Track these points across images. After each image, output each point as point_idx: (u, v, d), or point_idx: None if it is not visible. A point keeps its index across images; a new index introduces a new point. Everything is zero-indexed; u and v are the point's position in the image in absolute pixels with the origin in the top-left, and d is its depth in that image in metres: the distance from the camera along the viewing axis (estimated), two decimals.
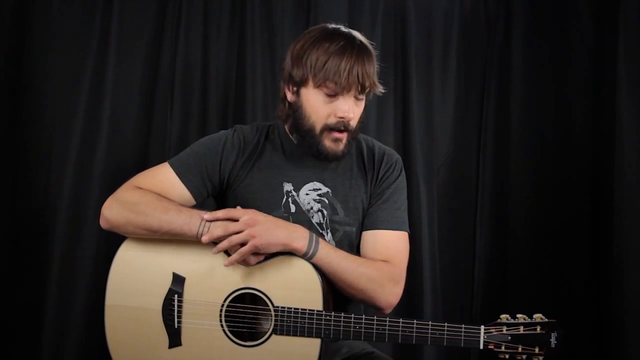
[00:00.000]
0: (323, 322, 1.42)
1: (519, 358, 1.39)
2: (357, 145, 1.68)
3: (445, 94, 2.39)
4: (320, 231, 1.58)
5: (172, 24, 2.19)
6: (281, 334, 1.43)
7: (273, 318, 1.44)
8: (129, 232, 1.51)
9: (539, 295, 2.27)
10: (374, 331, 1.41)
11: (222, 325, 1.46)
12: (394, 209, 1.62)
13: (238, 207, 1.48)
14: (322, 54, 1.49)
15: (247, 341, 1.45)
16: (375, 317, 1.42)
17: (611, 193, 2.12)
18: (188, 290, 1.47)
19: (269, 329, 1.44)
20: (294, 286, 1.44)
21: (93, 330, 1.95)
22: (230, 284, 1.46)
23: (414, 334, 1.40)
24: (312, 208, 1.59)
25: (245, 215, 1.44)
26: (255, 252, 1.43)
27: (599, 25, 2.26)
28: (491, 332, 1.39)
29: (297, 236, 1.45)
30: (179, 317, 1.47)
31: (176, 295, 1.47)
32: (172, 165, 1.58)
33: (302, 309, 1.42)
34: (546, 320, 1.39)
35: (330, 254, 1.47)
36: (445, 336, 1.39)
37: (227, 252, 1.47)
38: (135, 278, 1.50)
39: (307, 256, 1.45)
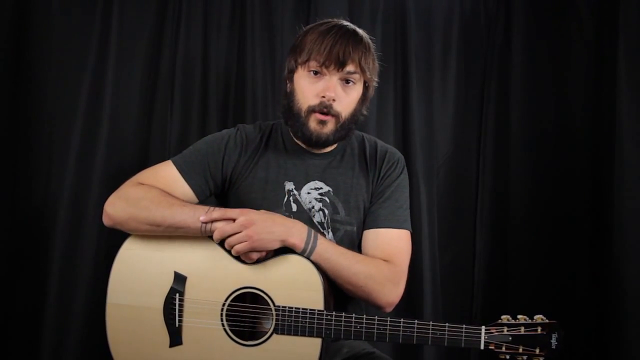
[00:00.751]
0: (324, 322, 1.42)
1: (520, 359, 1.39)
2: (359, 144, 1.69)
3: (445, 94, 2.39)
4: (322, 230, 1.58)
5: (172, 24, 2.19)
6: (282, 333, 1.43)
7: (274, 317, 1.44)
8: (132, 228, 1.50)
9: (539, 295, 2.27)
10: (375, 331, 1.41)
11: (223, 325, 1.46)
12: (396, 207, 1.62)
13: (234, 209, 1.47)
14: (311, 35, 1.56)
15: (248, 340, 1.45)
16: (376, 317, 1.42)
17: (611, 193, 2.11)
18: (189, 289, 1.47)
19: (270, 328, 1.44)
20: (295, 286, 1.44)
21: (93, 329, 1.96)
22: (232, 283, 1.46)
23: (415, 334, 1.40)
24: (313, 207, 1.59)
25: (241, 216, 1.43)
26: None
27: (599, 25, 2.26)
28: (492, 333, 1.39)
29: (295, 232, 1.45)
30: (180, 316, 1.47)
31: (177, 294, 1.47)
32: (175, 163, 1.59)
33: (303, 309, 1.42)
34: (547, 321, 1.40)
35: (329, 250, 1.47)
36: (446, 336, 1.39)
37: (227, 251, 1.47)
38: (136, 277, 1.50)
39: (305, 252, 1.45)
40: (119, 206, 1.50)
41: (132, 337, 1.49)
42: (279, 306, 1.44)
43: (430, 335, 1.40)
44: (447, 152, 2.39)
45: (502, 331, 1.39)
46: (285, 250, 1.46)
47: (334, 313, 1.42)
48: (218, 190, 1.63)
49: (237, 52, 2.25)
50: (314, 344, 1.43)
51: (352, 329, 1.42)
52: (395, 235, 1.60)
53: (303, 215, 1.57)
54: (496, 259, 2.35)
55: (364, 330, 1.41)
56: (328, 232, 1.59)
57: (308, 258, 1.46)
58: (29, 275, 2.07)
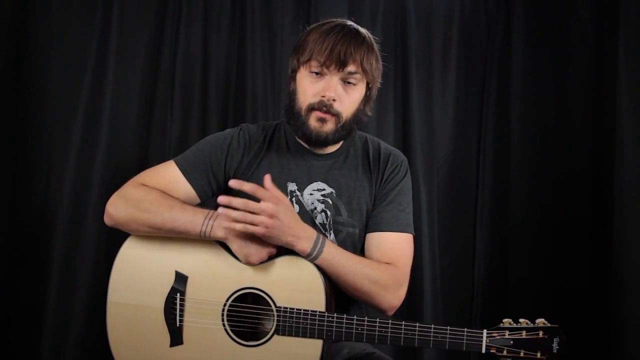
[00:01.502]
0: (325, 323, 1.42)
1: None
2: (363, 146, 1.68)
3: (445, 94, 2.39)
4: (323, 232, 1.58)
5: (172, 24, 2.19)
6: (283, 334, 1.43)
7: (275, 318, 1.43)
8: (132, 229, 1.50)
9: (539, 296, 2.27)
10: (376, 333, 1.41)
11: (224, 325, 1.45)
12: (399, 211, 1.61)
13: (270, 186, 1.43)
14: (313, 34, 1.56)
15: (248, 341, 1.45)
16: (377, 319, 1.41)
17: (611, 193, 2.12)
18: (190, 289, 1.47)
19: (271, 329, 1.44)
20: (296, 287, 1.44)
21: (93, 329, 1.96)
22: (233, 284, 1.46)
23: (416, 337, 1.40)
24: (315, 208, 1.59)
25: (270, 201, 1.41)
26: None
27: (599, 25, 2.26)
28: (493, 336, 1.39)
29: (303, 238, 1.44)
30: (181, 315, 1.47)
31: (178, 294, 1.47)
32: (177, 163, 1.59)
33: (304, 310, 1.42)
34: (549, 325, 1.39)
35: (335, 256, 1.47)
36: (448, 339, 1.39)
37: (229, 251, 1.47)
38: (137, 276, 1.50)
39: (309, 257, 1.45)
40: (121, 207, 1.50)
41: (133, 336, 1.49)
42: (280, 307, 1.43)
43: (431, 339, 1.39)
44: (447, 152, 2.39)
45: (504, 335, 1.39)
46: (288, 250, 1.46)
47: (335, 315, 1.42)
48: (220, 190, 1.62)
49: (237, 52, 2.25)
50: (314, 345, 1.43)
51: (353, 330, 1.41)
52: (399, 238, 1.59)
53: (305, 216, 1.57)
54: (496, 259, 2.35)
55: (365, 332, 1.41)
56: (330, 234, 1.58)
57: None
58: (29, 275, 2.07)
